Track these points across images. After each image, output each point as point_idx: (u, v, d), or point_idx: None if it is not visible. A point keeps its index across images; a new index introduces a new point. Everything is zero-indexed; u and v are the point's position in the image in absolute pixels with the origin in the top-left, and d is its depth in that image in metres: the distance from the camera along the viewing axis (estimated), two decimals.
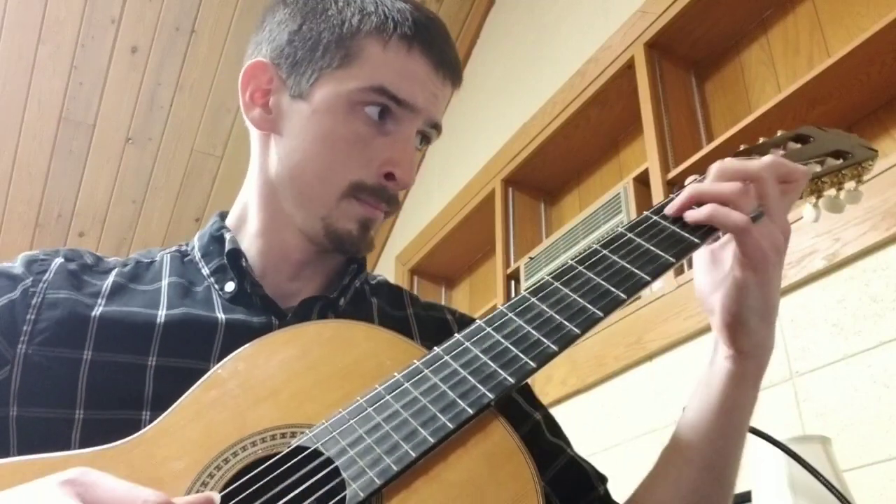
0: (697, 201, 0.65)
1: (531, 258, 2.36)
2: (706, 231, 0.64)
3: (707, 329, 1.66)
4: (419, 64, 0.72)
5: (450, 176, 3.03)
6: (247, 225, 0.78)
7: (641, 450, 1.76)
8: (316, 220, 0.73)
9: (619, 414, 1.87)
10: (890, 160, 1.39)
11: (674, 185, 1.91)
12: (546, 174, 2.59)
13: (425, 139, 0.77)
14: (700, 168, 1.84)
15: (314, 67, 0.72)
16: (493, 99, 2.90)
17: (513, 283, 2.48)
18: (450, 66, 0.75)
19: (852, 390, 1.37)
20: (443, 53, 0.74)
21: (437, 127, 0.76)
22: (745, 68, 2.00)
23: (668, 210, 0.66)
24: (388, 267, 3.35)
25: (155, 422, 0.57)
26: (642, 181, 2.02)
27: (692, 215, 0.64)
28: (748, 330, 0.66)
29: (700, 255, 0.71)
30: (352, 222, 0.73)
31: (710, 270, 0.69)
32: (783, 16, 1.91)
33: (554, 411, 2.16)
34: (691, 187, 0.66)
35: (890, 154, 1.51)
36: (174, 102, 3.01)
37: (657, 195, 1.91)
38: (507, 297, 2.46)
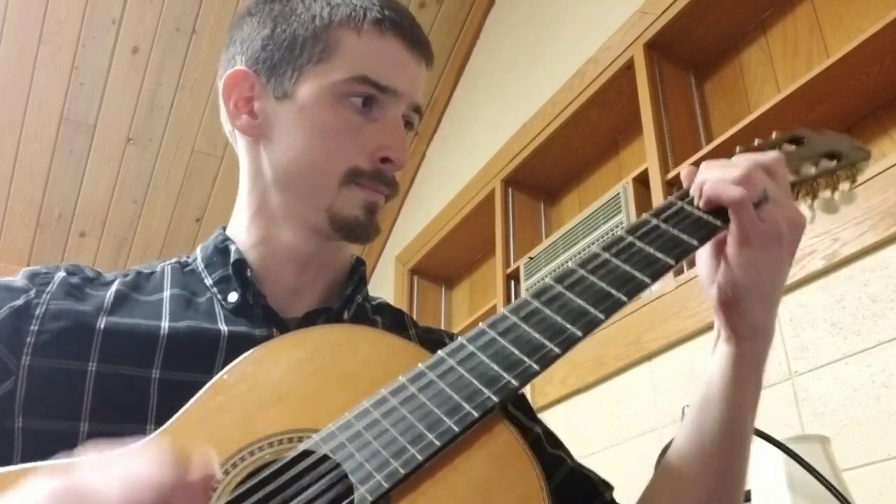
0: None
1: (531, 258, 2.37)
2: (706, 234, 0.64)
3: (707, 328, 1.67)
4: (394, 47, 0.74)
5: (450, 176, 3.03)
6: (244, 237, 0.78)
7: (641, 450, 1.76)
8: (320, 213, 0.73)
9: (619, 413, 1.87)
10: (889, 160, 1.40)
11: (673, 186, 1.91)
12: (546, 174, 2.59)
13: (409, 124, 0.77)
14: None
15: (294, 66, 0.73)
16: (493, 99, 2.90)
17: (513, 283, 2.48)
18: (422, 46, 0.76)
19: (851, 390, 1.37)
20: (413, 34, 0.75)
21: (418, 110, 0.77)
22: (744, 69, 2.01)
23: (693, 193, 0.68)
24: (388, 267, 3.35)
25: (162, 426, 0.57)
26: (642, 181, 2.03)
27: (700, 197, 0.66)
28: (742, 309, 0.66)
29: (704, 246, 0.71)
30: (357, 208, 0.73)
31: (713, 258, 0.69)
32: (782, 16, 1.92)
33: (554, 411, 2.17)
34: (703, 172, 0.67)
35: (889, 154, 1.51)
36: (175, 103, 3.01)
37: (657, 195, 1.91)
38: (507, 297, 2.47)
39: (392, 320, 0.83)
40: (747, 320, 0.67)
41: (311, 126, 0.72)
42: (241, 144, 0.78)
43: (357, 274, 0.80)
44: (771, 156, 0.69)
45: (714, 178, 0.65)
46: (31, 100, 2.91)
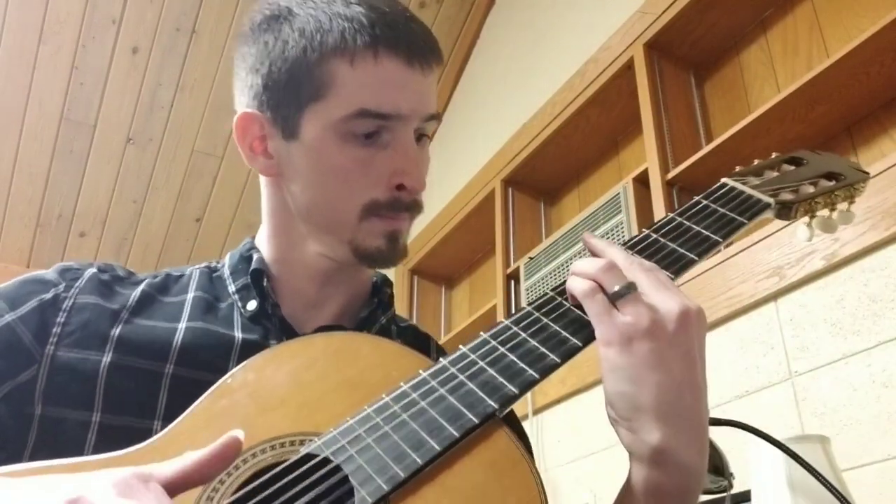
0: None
1: (531, 258, 2.37)
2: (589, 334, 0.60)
3: (709, 326, 1.66)
4: (392, 69, 0.69)
5: (450, 176, 3.03)
6: (266, 249, 0.79)
7: None
8: (342, 245, 0.74)
9: None
10: (889, 160, 1.40)
11: (673, 186, 1.91)
12: (546, 174, 2.59)
13: (424, 135, 0.76)
14: (699, 168, 1.85)
15: (294, 106, 0.71)
16: (493, 99, 2.90)
17: (513, 283, 2.48)
18: (424, 54, 0.72)
19: (851, 390, 1.37)
20: (410, 44, 0.71)
21: (433, 118, 0.74)
22: (744, 69, 2.01)
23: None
24: None
25: (165, 429, 0.58)
26: (642, 181, 2.03)
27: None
28: (619, 422, 0.56)
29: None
30: (378, 238, 0.73)
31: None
32: (782, 16, 1.92)
33: (553, 411, 2.15)
34: (575, 265, 0.62)
35: (889, 154, 1.51)
36: (175, 103, 3.01)
37: (657, 195, 1.91)
38: (507, 297, 2.46)
39: (415, 345, 0.82)
40: (635, 434, 0.55)
41: (321, 167, 0.71)
42: (261, 179, 0.79)
43: (379, 295, 0.81)
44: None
45: (575, 272, 0.60)
46: (31, 100, 2.91)
